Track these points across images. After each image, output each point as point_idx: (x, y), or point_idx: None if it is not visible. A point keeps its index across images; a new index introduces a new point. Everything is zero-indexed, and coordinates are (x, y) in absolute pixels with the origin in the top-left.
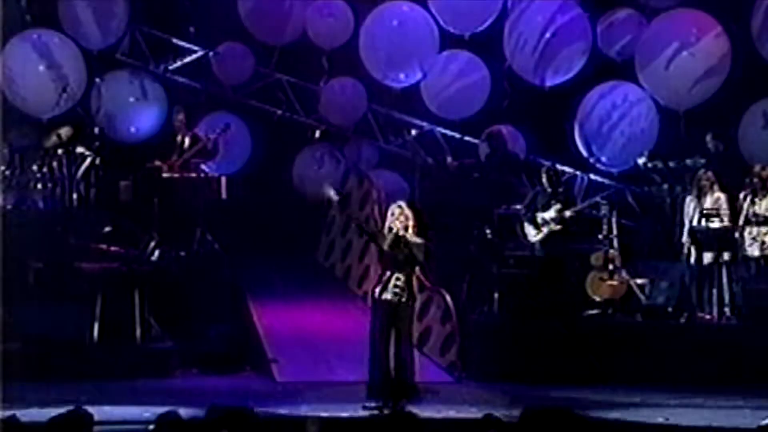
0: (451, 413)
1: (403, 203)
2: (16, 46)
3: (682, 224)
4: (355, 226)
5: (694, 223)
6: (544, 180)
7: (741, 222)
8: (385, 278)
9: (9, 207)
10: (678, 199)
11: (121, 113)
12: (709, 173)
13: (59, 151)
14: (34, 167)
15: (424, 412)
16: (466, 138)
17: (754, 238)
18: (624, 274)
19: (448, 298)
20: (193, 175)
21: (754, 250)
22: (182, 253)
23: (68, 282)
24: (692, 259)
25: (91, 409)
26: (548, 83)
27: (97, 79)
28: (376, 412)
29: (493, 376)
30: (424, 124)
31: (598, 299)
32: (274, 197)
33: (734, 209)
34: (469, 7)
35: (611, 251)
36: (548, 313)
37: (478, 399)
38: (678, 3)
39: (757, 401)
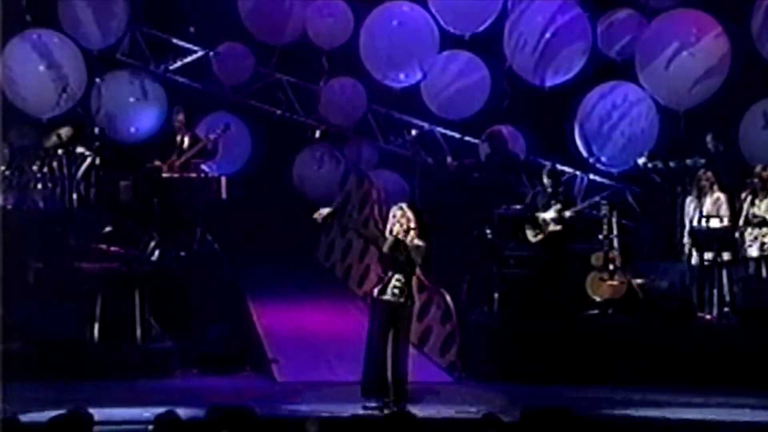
0: (451, 413)
1: (404, 205)
2: (16, 46)
3: (683, 224)
4: (354, 231)
5: (695, 223)
6: (544, 180)
7: (741, 222)
8: (385, 279)
9: (9, 207)
10: (678, 199)
11: (122, 113)
12: (709, 173)
13: (59, 151)
14: (35, 167)
15: (424, 412)
16: (466, 138)
17: (754, 239)
18: (624, 274)
19: (448, 298)
20: (193, 175)
21: (754, 251)
22: (182, 253)
23: (68, 282)
24: (692, 260)
25: (91, 409)
26: (548, 83)
27: (97, 79)
28: (376, 412)
29: (493, 376)
30: (424, 124)
31: (598, 299)
32: (274, 197)
33: (734, 209)
34: (469, 7)
35: (611, 251)
36: (548, 313)
37: (478, 399)
38: (678, 3)
39: (757, 401)
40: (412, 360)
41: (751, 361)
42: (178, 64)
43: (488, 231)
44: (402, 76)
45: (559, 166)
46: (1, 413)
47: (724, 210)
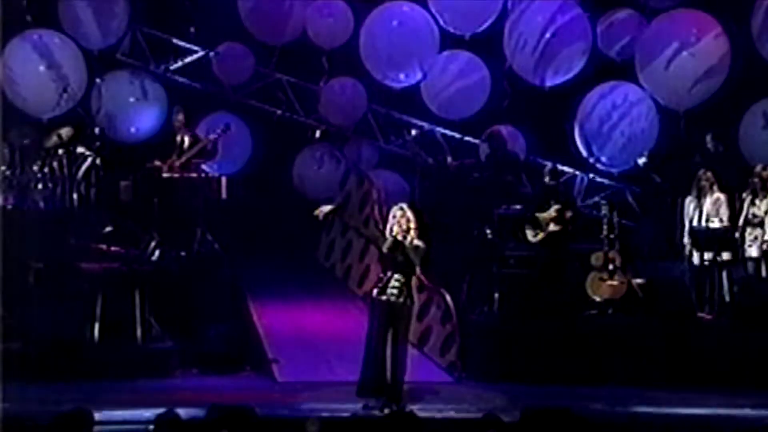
0: (451, 413)
1: (404, 205)
2: (16, 46)
3: (682, 224)
4: (355, 229)
5: (695, 223)
6: (546, 180)
7: (741, 222)
8: (384, 279)
9: (9, 207)
10: (678, 199)
11: (122, 113)
12: (709, 173)
13: (60, 151)
14: (35, 167)
15: (425, 411)
16: (467, 138)
17: (754, 239)
18: (624, 274)
19: (448, 298)
20: (194, 175)
21: (753, 251)
22: (182, 253)
23: (68, 282)
24: (693, 260)
25: (91, 408)
26: (548, 83)
27: (98, 80)
28: (376, 411)
29: (493, 376)
30: (424, 124)
31: (598, 299)
32: (274, 197)
33: (734, 210)
34: (469, 8)
35: (611, 251)
36: (548, 313)
37: (478, 399)
38: (678, 3)
39: (756, 401)
40: (413, 360)
41: (750, 361)
42: (179, 64)
43: (488, 231)
44: (402, 76)
45: (559, 166)
46: (1, 413)
47: (724, 210)
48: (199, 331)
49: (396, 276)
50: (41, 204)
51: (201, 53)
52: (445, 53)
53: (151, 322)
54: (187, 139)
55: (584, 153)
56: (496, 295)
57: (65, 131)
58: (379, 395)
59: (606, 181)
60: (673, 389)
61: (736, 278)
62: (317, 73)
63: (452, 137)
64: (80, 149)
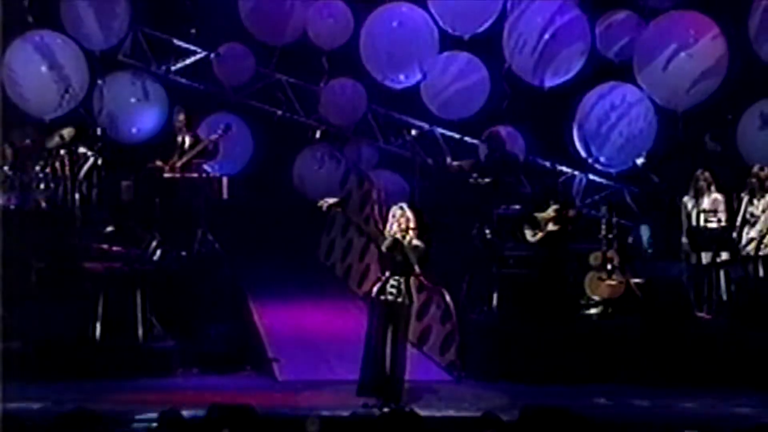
0: (451, 412)
1: (404, 205)
2: (18, 47)
3: (680, 224)
4: (356, 227)
5: (693, 223)
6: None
7: (739, 222)
8: (383, 279)
9: (12, 207)
10: (676, 199)
11: (123, 114)
12: (707, 174)
13: (62, 152)
14: (37, 167)
15: (424, 410)
16: (466, 138)
17: (751, 238)
18: (622, 273)
19: (447, 297)
20: (195, 175)
21: (751, 250)
22: (183, 253)
23: (70, 281)
24: (691, 259)
25: (93, 407)
26: (547, 84)
27: (99, 80)
28: (376, 410)
29: (493, 375)
30: (424, 124)
31: (596, 299)
32: (274, 197)
33: (732, 210)
34: (468, 9)
35: (610, 251)
36: (547, 313)
37: (477, 398)
38: (676, 4)
39: (755, 399)
40: (412, 359)
41: (748, 360)
42: (180, 65)
43: (487, 231)
44: (402, 76)
45: (558, 167)
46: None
47: (722, 210)
48: (199, 331)
49: (395, 276)
50: (43, 204)
51: (202, 54)
52: (445, 54)
53: (152, 321)
54: (188, 140)
55: (583, 153)
56: (496, 295)
57: (67, 132)
58: (379, 394)
59: (604, 181)
60: (671, 388)
61: (734, 278)
62: (317, 74)
63: (452, 137)
64: (82, 149)
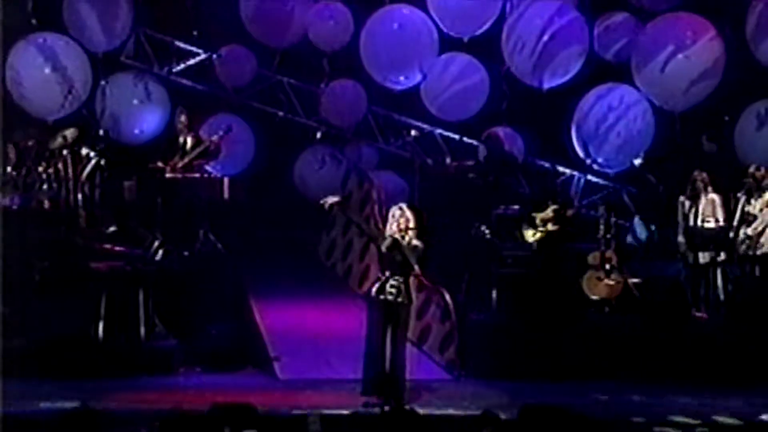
0: (450, 410)
1: (403, 205)
2: (22, 49)
3: (677, 224)
4: (356, 227)
5: (690, 223)
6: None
7: (736, 222)
8: (383, 279)
9: (15, 207)
10: (673, 199)
11: (126, 115)
12: (704, 174)
13: (65, 152)
14: (40, 168)
15: (424, 409)
16: (465, 139)
17: (748, 238)
18: (620, 273)
19: (447, 297)
20: (196, 175)
21: (748, 250)
22: (185, 253)
23: (73, 281)
24: (688, 259)
25: (96, 405)
26: (546, 85)
27: (102, 82)
28: (376, 409)
29: (492, 373)
30: (424, 125)
31: (594, 298)
32: (276, 198)
33: (729, 210)
34: (468, 11)
35: (608, 251)
36: (546, 312)
37: (476, 396)
38: (673, 6)
39: (752, 399)
40: (412, 358)
41: (744, 358)
42: (182, 66)
43: (486, 231)
44: (402, 78)
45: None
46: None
47: (719, 211)
48: (201, 330)
49: (394, 275)
50: (46, 204)
51: (204, 56)
52: (444, 56)
53: (154, 320)
54: (189, 141)
55: (581, 154)
56: (495, 294)
57: (70, 132)
58: (381, 394)
59: (603, 181)
60: (669, 386)
61: (731, 277)
62: (318, 76)
63: (451, 138)
64: (85, 150)
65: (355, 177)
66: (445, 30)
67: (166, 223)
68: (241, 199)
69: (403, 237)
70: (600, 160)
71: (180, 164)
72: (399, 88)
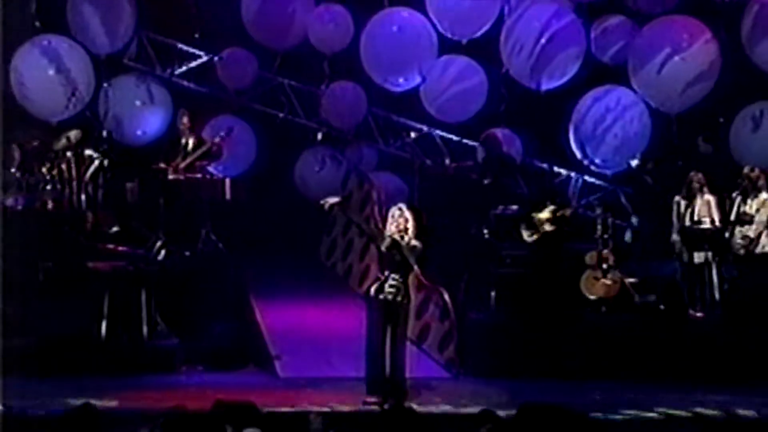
0: (449, 408)
1: (403, 205)
2: (26, 51)
3: (672, 224)
4: (356, 226)
5: (686, 223)
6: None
7: (731, 222)
8: (382, 278)
9: (20, 207)
10: (669, 199)
11: (128, 116)
12: (700, 175)
13: (68, 154)
14: (44, 169)
15: (423, 407)
16: (464, 140)
17: (743, 237)
18: (617, 273)
19: (446, 296)
20: (198, 176)
21: (743, 250)
22: (187, 253)
23: (76, 280)
24: (684, 259)
25: (99, 403)
26: (544, 87)
27: (105, 84)
28: (376, 407)
29: (490, 372)
30: (423, 126)
31: (592, 297)
32: (277, 198)
33: (724, 210)
34: (467, 14)
35: (605, 251)
36: (544, 311)
37: (475, 394)
38: (669, 9)
39: (747, 397)
40: (411, 356)
41: (740, 357)
42: (183, 68)
43: (485, 231)
44: (401, 80)
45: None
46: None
47: (715, 211)
48: (203, 329)
49: (394, 275)
50: (50, 204)
51: (205, 58)
52: (444, 58)
53: (156, 319)
54: (191, 142)
55: (579, 155)
56: (493, 294)
57: (74, 134)
58: (382, 392)
59: (600, 182)
60: (665, 385)
61: (726, 277)
62: (319, 78)
63: (450, 140)
64: (88, 151)
65: (355, 178)
66: (444, 33)
67: (168, 223)
68: (243, 200)
69: (402, 237)
70: (597, 161)
71: (182, 165)
72: (398, 89)
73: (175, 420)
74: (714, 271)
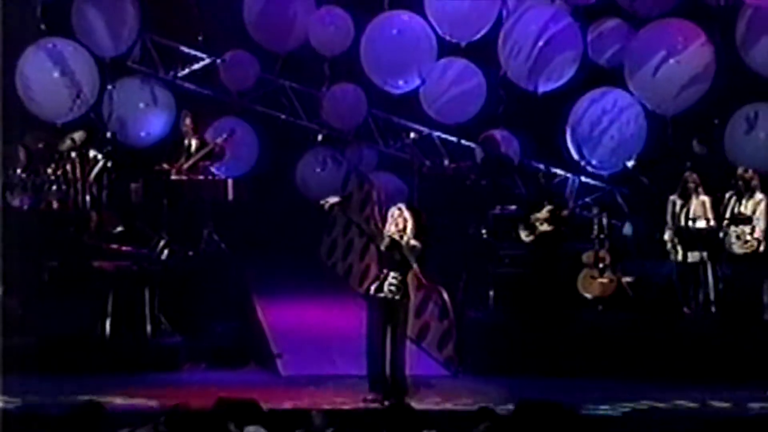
0: (448, 406)
1: (402, 205)
2: (32, 54)
3: (666, 224)
4: (356, 226)
5: (681, 223)
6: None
7: (726, 222)
8: (381, 277)
9: (25, 208)
10: (665, 200)
11: (132, 118)
12: (695, 176)
13: (73, 155)
14: (49, 170)
15: (422, 404)
16: (463, 142)
17: (738, 237)
18: (613, 272)
19: (445, 295)
20: (201, 177)
21: (738, 249)
22: (190, 253)
23: (81, 280)
24: (679, 258)
25: (102, 401)
26: (541, 89)
27: (109, 86)
28: (377, 404)
29: (489, 370)
30: (423, 128)
31: (588, 296)
32: (278, 198)
33: (718, 211)
34: (465, 17)
35: (601, 250)
36: (541, 310)
37: (473, 392)
38: (665, 13)
39: (742, 395)
40: (411, 354)
41: (733, 356)
42: (187, 71)
43: (484, 231)
44: (401, 82)
45: (552, 169)
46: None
47: (710, 211)
48: (206, 327)
49: (393, 274)
50: (55, 205)
51: (208, 60)
52: (443, 60)
53: (160, 318)
54: (194, 143)
55: (576, 156)
56: (492, 293)
57: (78, 135)
58: (383, 390)
59: (597, 182)
60: (663, 384)
61: (720, 276)
62: (320, 80)
63: (449, 141)
64: (92, 152)
65: (356, 178)
66: (443, 35)
67: (171, 223)
68: (245, 200)
69: (401, 237)
70: (594, 162)
71: (185, 166)
72: (398, 91)
73: (177, 417)
74: (709, 271)
